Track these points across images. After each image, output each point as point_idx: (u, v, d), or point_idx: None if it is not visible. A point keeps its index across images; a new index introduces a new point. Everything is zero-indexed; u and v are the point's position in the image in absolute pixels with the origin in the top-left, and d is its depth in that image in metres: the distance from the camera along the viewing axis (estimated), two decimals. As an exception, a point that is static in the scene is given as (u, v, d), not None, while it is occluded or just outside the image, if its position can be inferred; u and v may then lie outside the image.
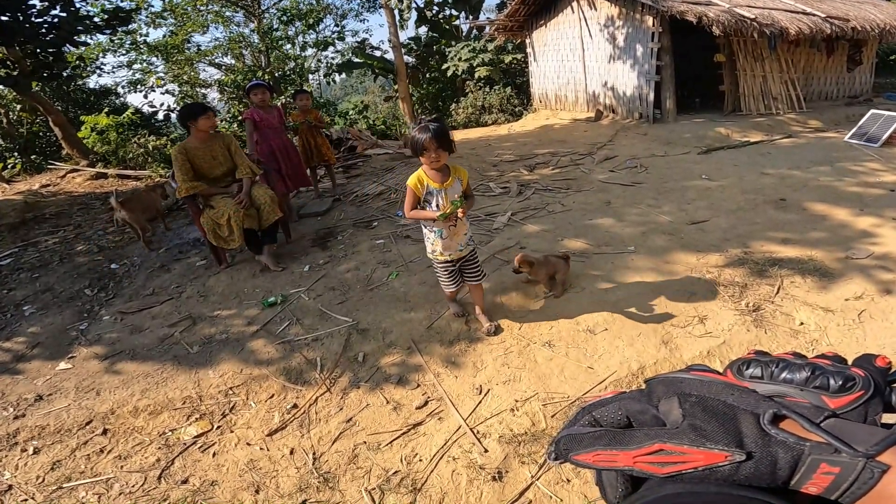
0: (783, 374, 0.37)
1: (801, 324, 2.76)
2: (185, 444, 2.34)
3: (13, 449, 2.42)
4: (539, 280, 3.14)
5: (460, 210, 2.41)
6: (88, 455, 2.34)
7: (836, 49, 9.46)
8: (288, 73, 14.48)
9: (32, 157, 9.99)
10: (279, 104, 5.19)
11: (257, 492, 2.06)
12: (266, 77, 13.06)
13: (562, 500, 1.90)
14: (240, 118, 12.11)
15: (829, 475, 0.29)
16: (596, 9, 9.56)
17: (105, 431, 2.48)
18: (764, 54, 8.85)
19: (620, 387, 2.40)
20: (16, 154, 10.20)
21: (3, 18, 5.94)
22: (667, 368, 2.48)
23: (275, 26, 15.25)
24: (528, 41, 11.99)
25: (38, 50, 6.74)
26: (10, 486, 2.20)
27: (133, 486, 2.14)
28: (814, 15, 8.45)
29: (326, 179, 6.23)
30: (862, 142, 6.68)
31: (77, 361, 3.10)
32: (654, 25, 8.29)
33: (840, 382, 0.35)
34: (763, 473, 0.30)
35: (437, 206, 2.47)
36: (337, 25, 17.05)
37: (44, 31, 6.33)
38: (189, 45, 15.01)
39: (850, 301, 2.88)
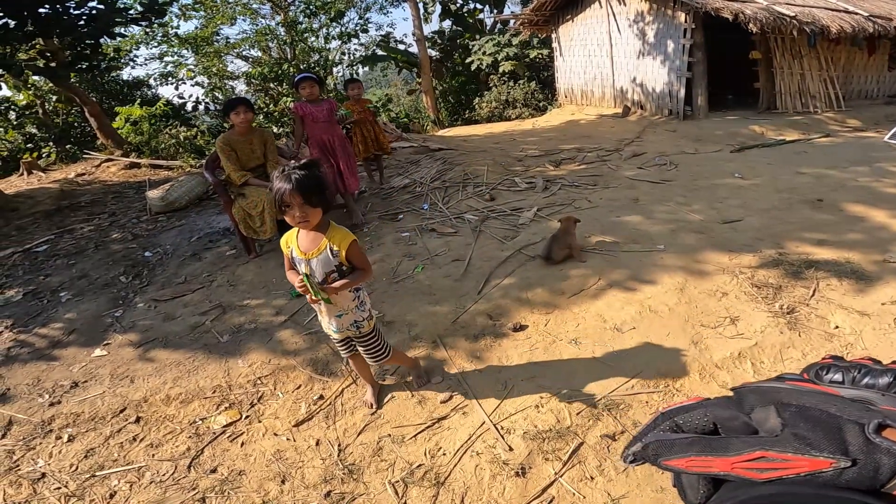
0: (865, 380, 0.38)
1: (836, 327, 2.68)
2: (214, 433, 2.39)
3: (48, 436, 2.48)
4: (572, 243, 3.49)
5: (310, 296, 1.88)
6: (121, 443, 2.39)
7: (878, 48, 9.13)
8: (312, 65, 14.59)
9: (68, 146, 10.29)
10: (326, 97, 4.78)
11: (283, 482, 2.09)
12: (291, 69, 13.18)
13: (584, 498, 1.88)
14: (265, 110, 12.27)
15: None
16: (625, 4, 9.39)
17: (138, 419, 2.53)
18: (802, 52, 8.58)
19: (648, 386, 2.37)
20: (51, 143, 10.52)
21: (43, 10, 6.12)
22: (696, 369, 2.43)
23: (299, 19, 15.38)
24: (553, 36, 11.85)
25: (76, 41, 6.92)
26: (44, 474, 2.24)
27: (163, 475, 2.18)
28: (856, 13, 8.17)
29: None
30: (903, 141, 6.42)
31: (112, 348, 3.18)
32: (686, 21, 8.11)
33: None
34: (864, 478, 0.32)
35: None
36: (361, 18, 17.10)
37: (82, 23, 6.49)
38: (218, 37, 15.25)
39: (887, 305, 2.78)
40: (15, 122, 11.18)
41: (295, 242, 1.96)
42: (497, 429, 2.22)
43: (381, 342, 2.23)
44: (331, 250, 1.91)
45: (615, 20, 9.79)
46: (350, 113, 4.71)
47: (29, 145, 10.76)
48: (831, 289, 2.97)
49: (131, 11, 7.05)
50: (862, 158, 5.75)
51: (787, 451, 0.33)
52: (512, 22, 12.80)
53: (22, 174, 8.41)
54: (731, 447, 0.34)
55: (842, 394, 0.37)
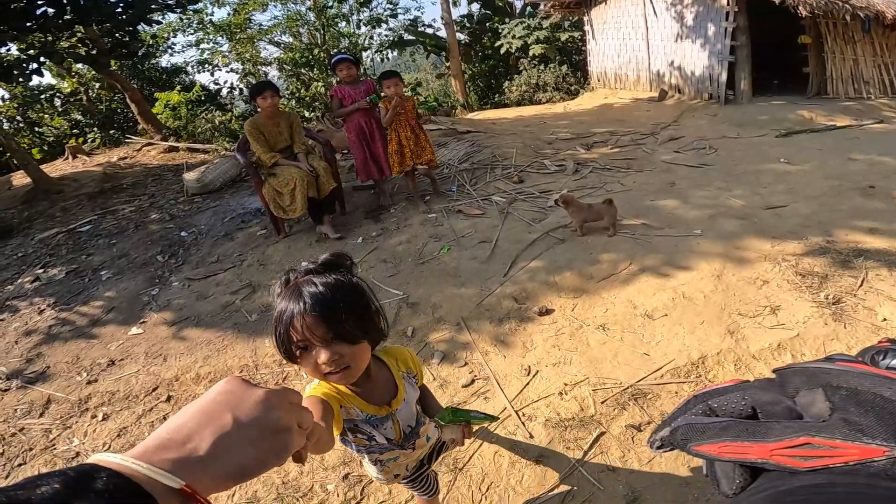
0: None
1: (884, 319, 2.52)
2: (238, 413, 2.43)
3: (84, 415, 2.54)
4: (575, 222, 3.53)
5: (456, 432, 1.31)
6: (152, 422, 2.44)
7: (936, 34, 8.51)
8: (342, 50, 14.61)
9: (111, 131, 10.65)
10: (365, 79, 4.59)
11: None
12: (322, 54, 13.23)
13: (604, 489, 1.83)
14: (297, 95, 12.40)
15: None
16: (663, -15, 9.03)
17: (169, 398, 2.58)
18: (856, 37, 8.09)
19: (678, 375, 2.28)
20: (95, 129, 10.91)
21: (81, -2, 6.29)
22: (731, 359, 2.33)
23: (329, 4, 15.37)
24: (586, 18, 11.51)
25: (114, 29, 7.11)
26: (78, 454, 2.30)
27: (188, 455, 2.24)
28: (914, -1, 7.64)
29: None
30: (968, 125, 5.97)
31: (147, 326, 3.27)
32: (728, 4, 7.75)
33: None
34: None
35: (387, 440, 1.23)
36: (389, 3, 16.97)
37: (119, 10, 6.65)
38: (251, 24, 15.43)
39: (942, 298, 2.59)
40: (60, 109, 11.63)
41: (356, 400, 1.15)
42: (518, 415, 2.18)
43: None
44: (408, 380, 1.28)
45: (651, 3, 9.43)
46: (376, 98, 4.50)
47: (74, 131, 11.20)
48: (881, 279, 2.79)
49: (166, -2, 7.16)
50: (919, 144, 5.37)
51: (835, 438, 0.29)
52: (542, 5, 12.46)
53: (67, 158, 8.76)
54: (771, 432, 0.31)
55: None
